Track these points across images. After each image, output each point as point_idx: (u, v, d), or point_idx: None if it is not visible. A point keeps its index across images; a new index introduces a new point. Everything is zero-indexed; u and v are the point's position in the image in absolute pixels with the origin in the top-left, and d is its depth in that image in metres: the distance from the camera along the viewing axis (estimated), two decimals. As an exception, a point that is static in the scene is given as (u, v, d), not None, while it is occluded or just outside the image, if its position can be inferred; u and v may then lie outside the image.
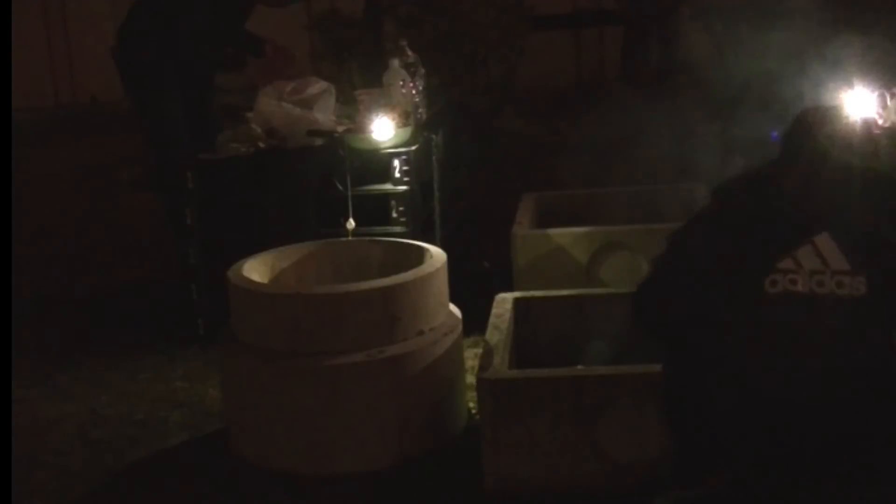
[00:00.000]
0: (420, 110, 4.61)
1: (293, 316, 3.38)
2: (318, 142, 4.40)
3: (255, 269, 3.65)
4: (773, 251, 2.38)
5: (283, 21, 6.09)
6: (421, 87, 4.61)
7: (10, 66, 4.51)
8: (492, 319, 3.49)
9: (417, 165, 4.40)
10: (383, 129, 4.32)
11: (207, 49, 4.64)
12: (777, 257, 2.37)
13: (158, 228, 5.40)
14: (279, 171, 4.35)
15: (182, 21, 4.55)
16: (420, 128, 4.52)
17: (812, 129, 2.41)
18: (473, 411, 3.57)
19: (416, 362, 3.38)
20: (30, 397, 4.07)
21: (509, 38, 8.34)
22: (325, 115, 4.48)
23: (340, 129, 4.46)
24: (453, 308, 3.69)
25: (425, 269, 3.53)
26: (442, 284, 3.58)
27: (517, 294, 3.77)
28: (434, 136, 4.54)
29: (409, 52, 4.63)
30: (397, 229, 4.30)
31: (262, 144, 4.42)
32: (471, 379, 3.53)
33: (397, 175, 4.36)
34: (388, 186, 4.38)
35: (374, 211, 4.32)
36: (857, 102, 2.50)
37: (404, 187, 4.36)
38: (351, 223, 4.05)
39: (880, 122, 2.53)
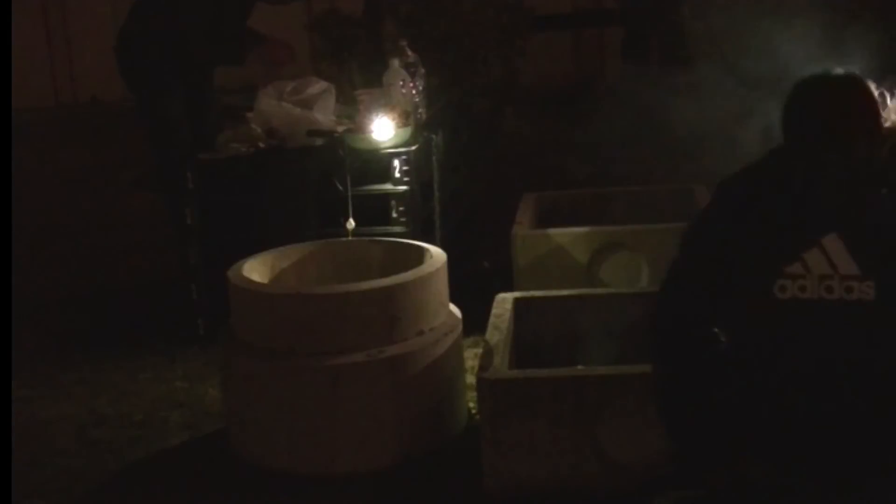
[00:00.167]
0: (420, 110, 4.61)
1: (293, 316, 3.38)
2: (318, 142, 4.40)
3: (256, 269, 3.65)
4: (781, 253, 2.35)
5: (283, 20, 6.08)
6: (421, 87, 4.61)
7: (10, 66, 4.51)
8: (492, 319, 3.49)
9: (417, 165, 4.40)
10: (383, 129, 4.32)
11: (208, 48, 4.63)
12: (785, 260, 2.34)
13: (158, 228, 5.39)
14: (279, 171, 4.35)
15: (183, 21, 4.55)
16: (420, 128, 4.52)
17: (812, 109, 2.38)
18: (473, 411, 3.57)
19: (416, 362, 3.38)
20: (30, 397, 4.08)
21: (509, 38, 8.33)
22: (325, 115, 4.48)
23: (340, 128, 4.45)
24: (453, 308, 3.69)
25: (425, 269, 3.53)
26: (442, 284, 3.58)
27: (517, 294, 3.76)
28: (434, 136, 4.54)
29: (409, 52, 4.63)
30: (397, 229, 4.31)
31: (262, 144, 4.41)
32: (471, 379, 3.53)
33: (397, 175, 4.36)
34: (388, 186, 4.38)
35: (374, 211, 4.32)
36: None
37: (404, 187, 4.36)
38: (351, 223, 4.05)
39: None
